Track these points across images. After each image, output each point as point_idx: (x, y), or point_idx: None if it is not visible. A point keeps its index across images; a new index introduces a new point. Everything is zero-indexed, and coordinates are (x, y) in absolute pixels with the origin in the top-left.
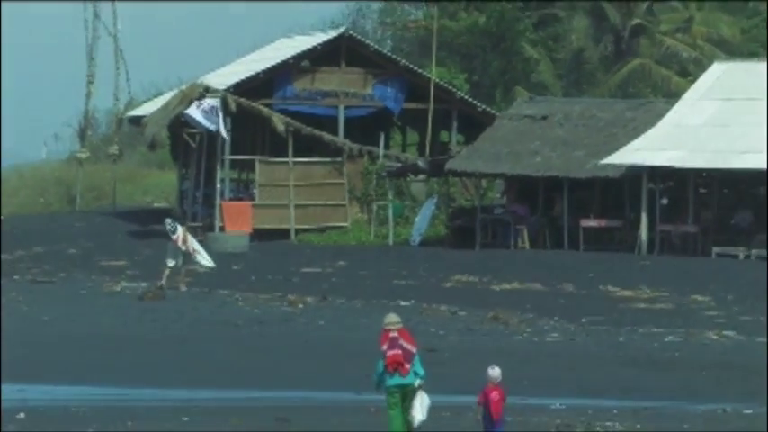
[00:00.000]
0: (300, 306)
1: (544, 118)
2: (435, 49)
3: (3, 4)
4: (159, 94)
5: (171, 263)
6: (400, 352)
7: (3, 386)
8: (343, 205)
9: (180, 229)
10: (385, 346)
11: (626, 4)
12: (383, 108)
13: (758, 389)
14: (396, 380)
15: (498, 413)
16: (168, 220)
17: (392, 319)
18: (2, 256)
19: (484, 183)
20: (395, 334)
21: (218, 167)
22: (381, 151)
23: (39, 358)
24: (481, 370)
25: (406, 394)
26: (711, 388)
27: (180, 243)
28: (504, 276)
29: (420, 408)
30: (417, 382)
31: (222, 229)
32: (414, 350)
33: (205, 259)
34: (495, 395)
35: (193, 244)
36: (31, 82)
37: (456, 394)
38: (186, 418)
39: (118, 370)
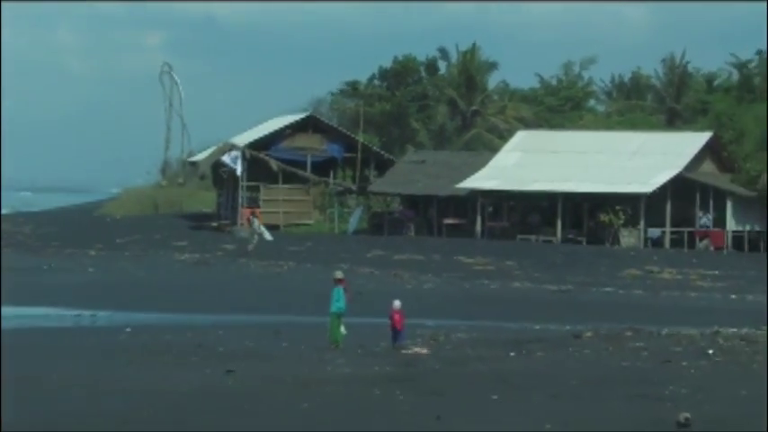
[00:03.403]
0: (286, 268)
1: (422, 162)
2: (362, 123)
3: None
4: (206, 148)
5: (254, 239)
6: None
7: (119, 312)
8: (310, 211)
9: (256, 221)
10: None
11: (467, 96)
12: (332, 157)
13: (544, 315)
14: (341, 307)
15: (399, 326)
16: (250, 216)
17: (341, 274)
18: (117, 240)
19: (389, 198)
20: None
21: (239, 189)
22: (331, 181)
23: (138, 296)
24: (387, 305)
25: (339, 318)
26: (519, 314)
27: (257, 228)
28: (400, 251)
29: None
30: (342, 308)
31: (241, 224)
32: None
33: (269, 236)
34: (396, 316)
35: (262, 228)
36: (134, 140)
37: (373, 317)
38: (221, 332)
39: (182, 303)
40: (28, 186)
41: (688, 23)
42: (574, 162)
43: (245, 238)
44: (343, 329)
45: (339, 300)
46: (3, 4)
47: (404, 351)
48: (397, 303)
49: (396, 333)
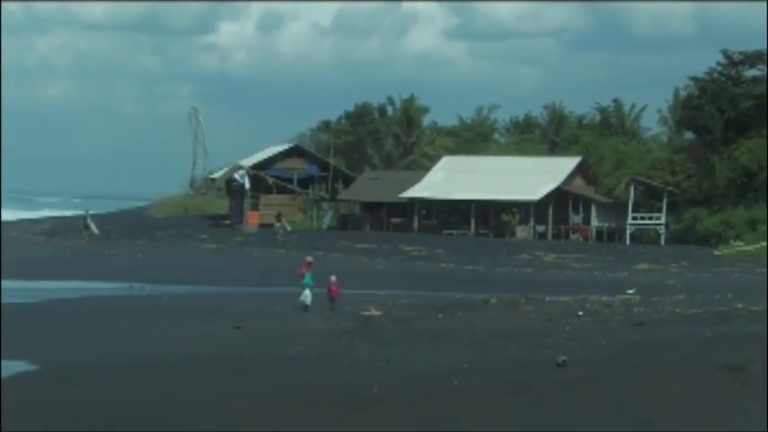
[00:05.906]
0: (278, 254)
1: (375, 179)
2: (332, 150)
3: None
4: (221, 168)
5: (279, 231)
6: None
7: (160, 285)
8: (295, 214)
9: (282, 219)
10: (305, 270)
11: (407, 132)
12: (311, 174)
13: (462, 287)
14: (308, 282)
15: (335, 294)
16: (278, 215)
17: (311, 258)
18: (158, 234)
19: (352, 204)
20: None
21: (245, 198)
22: (311, 192)
23: (172, 274)
24: (351, 280)
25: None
26: (442, 287)
27: (282, 224)
28: (360, 241)
29: (308, 295)
30: (310, 284)
31: (247, 223)
32: (309, 270)
33: (290, 228)
34: (333, 287)
35: (285, 222)
36: (171, 162)
37: (341, 289)
38: (232, 299)
39: (204, 279)
40: (111, 195)
41: (564, 80)
42: (483, 178)
43: (278, 233)
44: (308, 297)
45: (306, 277)
46: (80, 71)
47: (362, 313)
48: (333, 278)
49: (332, 299)
